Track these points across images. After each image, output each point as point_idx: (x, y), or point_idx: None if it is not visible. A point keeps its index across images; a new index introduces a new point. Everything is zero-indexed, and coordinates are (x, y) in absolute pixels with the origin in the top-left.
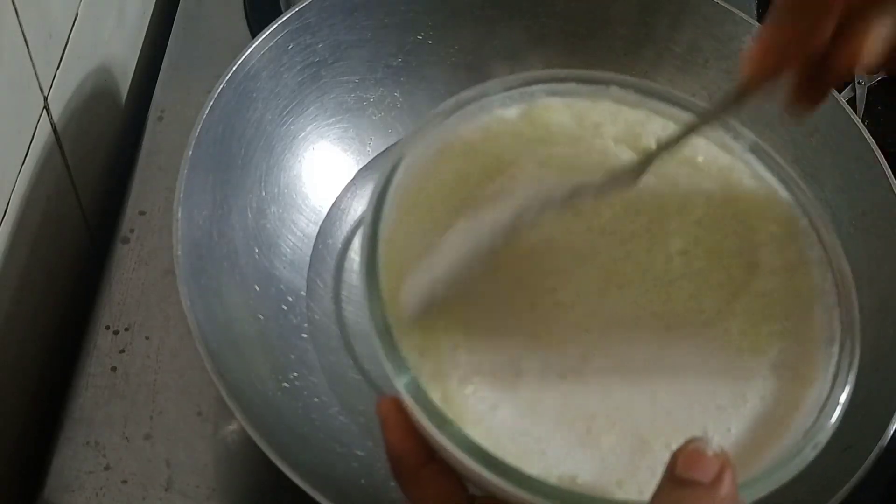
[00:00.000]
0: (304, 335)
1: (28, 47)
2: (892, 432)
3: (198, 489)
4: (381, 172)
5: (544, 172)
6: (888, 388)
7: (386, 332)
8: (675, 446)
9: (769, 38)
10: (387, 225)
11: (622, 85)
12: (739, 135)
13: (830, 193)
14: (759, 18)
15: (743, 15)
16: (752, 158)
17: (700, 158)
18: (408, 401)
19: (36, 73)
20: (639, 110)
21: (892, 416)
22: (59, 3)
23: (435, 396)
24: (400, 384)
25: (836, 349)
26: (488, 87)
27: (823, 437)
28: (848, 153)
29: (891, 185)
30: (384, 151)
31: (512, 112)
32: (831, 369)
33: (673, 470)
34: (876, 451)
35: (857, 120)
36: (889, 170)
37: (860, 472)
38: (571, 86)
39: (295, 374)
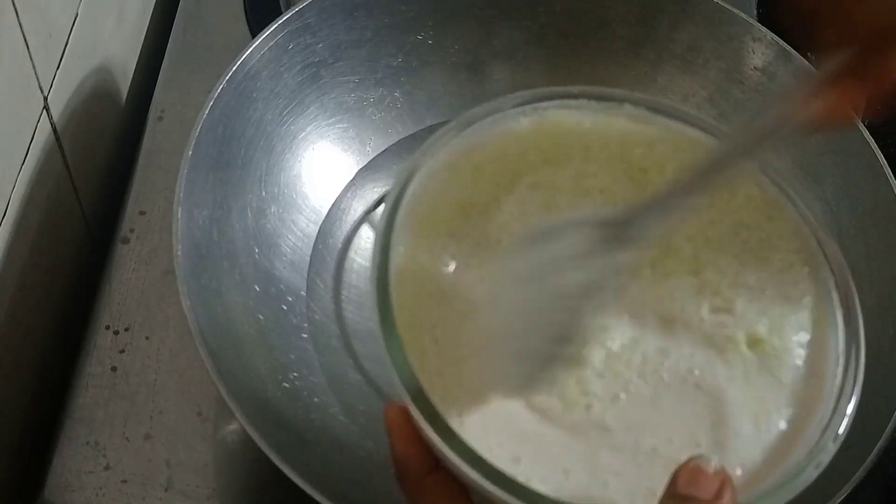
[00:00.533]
0: (304, 335)
1: (28, 47)
2: (891, 432)
3: (198, 489)
4: (390, 194)
5: (535, 196)
6: (888, 388)
7: (397, 347)
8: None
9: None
10: (398, 247)
11: (635, 102)
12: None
13: (830, 193)
14: (760, 18)
15: (743, 15)
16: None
17: None
18: (415, 413)
19: (36, 73)
20: (651, 127)
21: (892, 416)
22: (59, 3)
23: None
24: (407, 396)
25: (840, 370)
26: (500, 104)
27: (826, 458)
28: (848, 153)
29: (891, 185)
30: (384, 151)
31: (523, 125)
32: (835, 391)
33: (674, 487)
34: (876, 451)
35: (857, 120)
36: (889, 170)
37: (860, 472)
38: (583, 102)
39: (295, 374)
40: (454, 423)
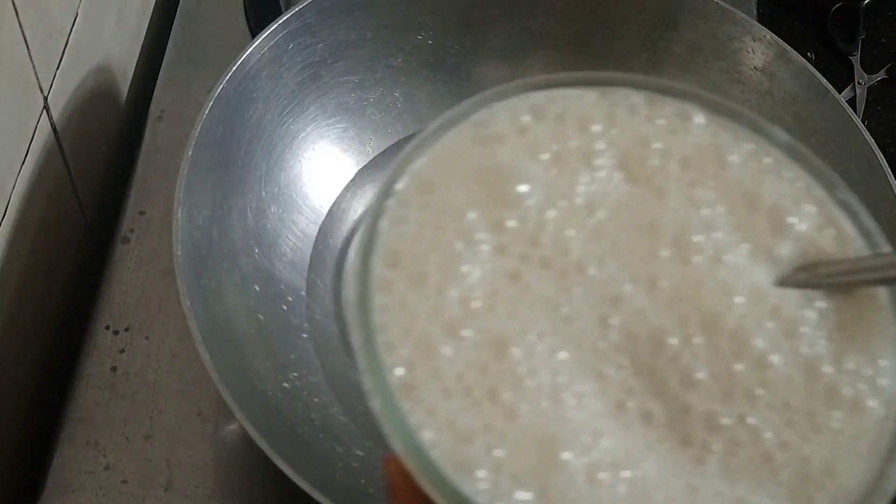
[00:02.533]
0: (304, 335)
1: (28, 47)
2: None
3: (198, 489)
4: (374, 202)
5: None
6: None
7: (389, 397)
8: None
9: None
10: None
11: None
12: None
13: None
14: (760, 18)
15: (743, 15)
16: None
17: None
18: (422, 480)
19: (36, 73)
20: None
21: None
22: (59, 3)
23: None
24: (410, 458)
25: None
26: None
27: None
28: (848, 153)
29: (891, 184)
30: (384, 151)
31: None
32: None
33: None
34: None
35: (857, 120)
36: (889, 170)
37: None
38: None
39: (295, 374)
40: (467, 487)
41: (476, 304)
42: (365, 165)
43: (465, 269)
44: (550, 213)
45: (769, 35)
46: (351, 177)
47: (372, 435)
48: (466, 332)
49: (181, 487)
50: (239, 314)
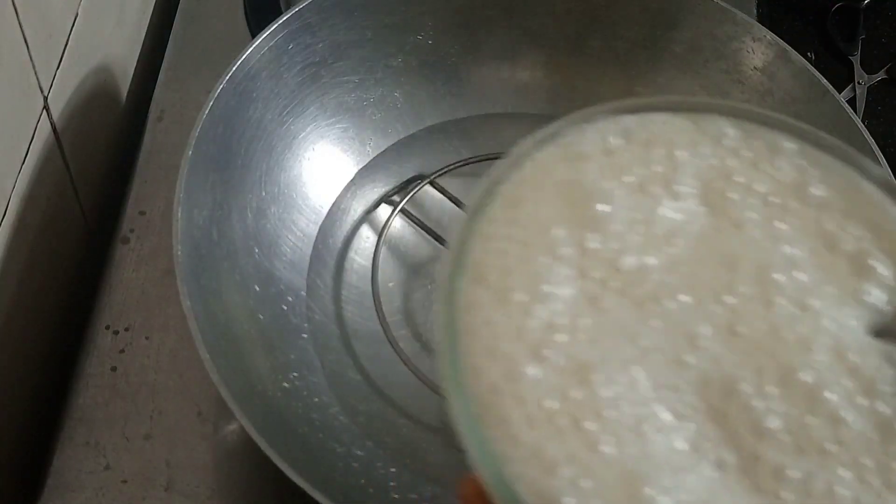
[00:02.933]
0: (304, 335)
1: (28, 47)
2: None
3: (198, 489)
4: (463, 219)
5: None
6: None
7: (475, 426)
8: None
9: None
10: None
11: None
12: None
13: None
14: (760, 18)
15: (743, 15)
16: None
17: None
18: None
19: (36, 73)
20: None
21: None
22: (59, 3)
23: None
24: (495, 490)
25: None
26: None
27: None
28: None
29: None
30: (384, 151)
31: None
32: None
33: None
34: None
35: (857, 120)
36: (889, 169)
37: None
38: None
39: (295, 374)
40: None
41: (559, 327)
42: (365, 165)
43: (547, 288)
44: (630, 239)
45: (769, 35)
46: (351, 177)
47: (372, 435)
48: (548, 354)
49: (181, 487)
50: (239, 314)
